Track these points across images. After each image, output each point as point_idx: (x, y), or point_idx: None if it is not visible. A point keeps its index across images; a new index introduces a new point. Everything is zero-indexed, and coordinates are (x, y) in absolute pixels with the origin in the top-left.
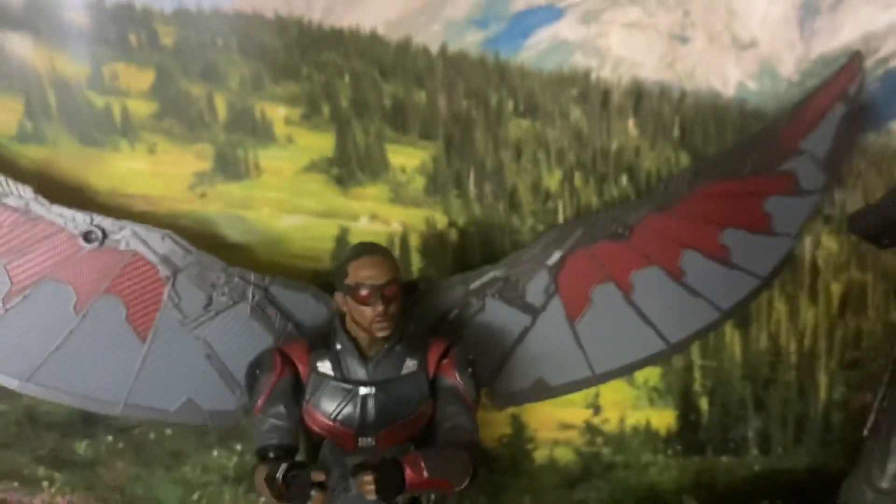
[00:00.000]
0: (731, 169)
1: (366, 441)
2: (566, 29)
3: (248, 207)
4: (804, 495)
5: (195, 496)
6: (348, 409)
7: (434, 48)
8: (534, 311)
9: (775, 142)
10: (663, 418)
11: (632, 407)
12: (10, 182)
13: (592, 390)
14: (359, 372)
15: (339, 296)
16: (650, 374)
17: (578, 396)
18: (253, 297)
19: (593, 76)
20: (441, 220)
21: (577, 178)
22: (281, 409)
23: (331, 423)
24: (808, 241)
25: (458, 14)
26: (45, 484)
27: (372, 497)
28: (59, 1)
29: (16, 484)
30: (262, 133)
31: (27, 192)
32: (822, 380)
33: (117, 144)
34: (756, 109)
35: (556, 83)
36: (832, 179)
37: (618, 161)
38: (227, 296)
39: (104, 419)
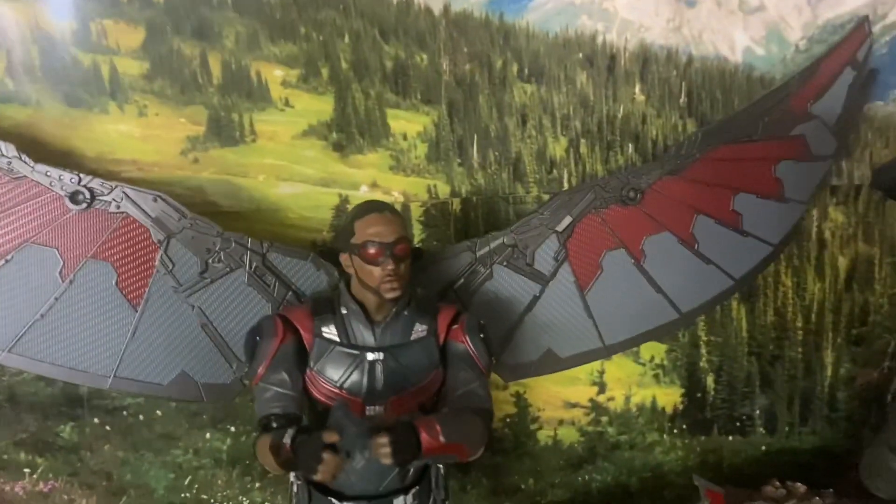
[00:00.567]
0: (743, 132)
1: (374, 410)
2: None
3: (243, 174)
4: (811, 475)
5: (186, 481)
6: (355, 376)
7: (437, 8)
8: (543, 279)
9: (786, 106)
10: (669, 396)
11: (637, 384)
12: None
13: (597, 367)
14: (366, 337)
15: (344, 257)
16: (656, 351)
17: (583, 373)
18: (250, 263)
19: (599, 39)
20: (443, 190)
21: (583, 146)
22: (283, 376)
23: (337, 390)
24: (814, 213)
25: None
26: (27, 470)
27: (388, 460)
28: None
29: None
30: (257, 95)
31: (10, 149)
32: (829, 356)
33: (105, 106)
34: (762, 76)
35: (562, 46)
36: (842, 145)
37: (624, 128)
38: (224, 262)
39: (90, 400)
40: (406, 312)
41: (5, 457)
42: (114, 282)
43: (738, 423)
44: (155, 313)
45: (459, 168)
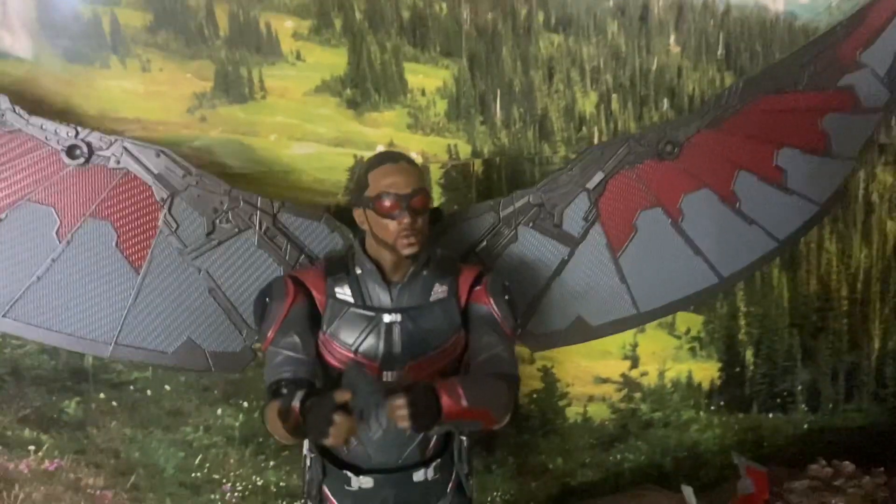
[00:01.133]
0: (787, 82)
1: (391, 375)
2: None
3: (253, 133)
4: (857, 455)
5: (197, 460)
6: (371, 340)
7: None
8: (572, 242)
9: (833, 54)
10: (706, 371)
11: (672, 358)
12: None
13: (630, 340)
14: (382, 298)
15: (358, 212)
16: (692, 322)
17: (615, 347)
18: (260, 224)
19: None
20: (464, 150)
21: (615, 102)
22: (295, 339)
23: (352, 355)
24: (861, 174)
25: None
26: (32, 448)
27: (405, 424)
28: None
29: None
30: (267, 49)
31: (3, 101)
32: (876, 328)
33: (106, 61)
34: (805, 25)
35: None
36: (895, 97)
37: (658, 82)
38: (232, 223)
39: (95, 374)
40: (425, 272)
41: (9, 433)
42: (114, 242)
43: (778, 400)
44: (159, 277)
45: (482, 126)
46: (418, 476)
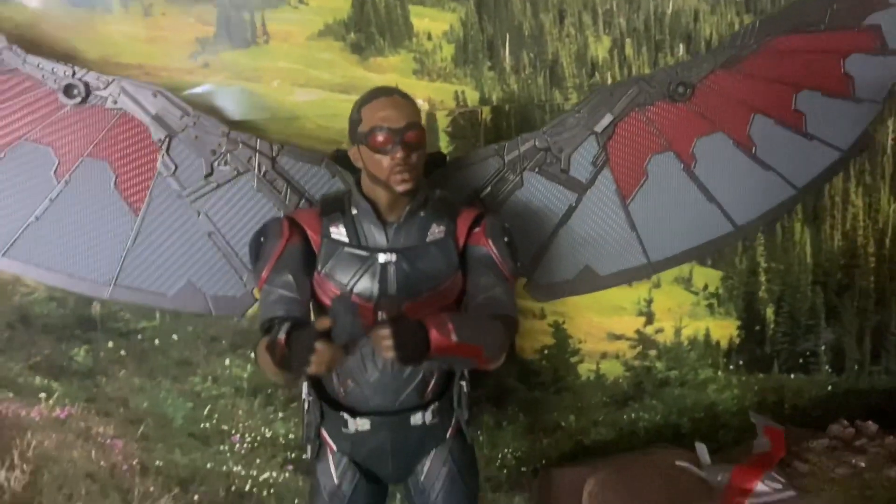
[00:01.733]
0: (808, 21)
1: (385, 316)
2: None
3: (256, 79)
4: (883, 419)
5: (206, 411)
6: (366, 280)
7: None
8: (579, 187)
9: None
10: (724, 329)
11: (689, 315)
12: None
13: (644, 295)
14: (377, 238)
15: (353, 150)
16: (709, 278)
17: (629, 302)
18: (259, 167)
19: None
20: (472, 96)
21: (628, 46)
22: (288, 278)
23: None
24: (889, 123)
25: None
26: (43, 395)
27: (389, 354)
28: None
29: (11, 394)
30: None
31: (0, 40)
32: None
33: (109, 5)
34: None
35: None
36: None
37: (674, 26)
38: (231, 165)
39: (103, 322)
40: (422, 213)
41: (20, 380)
42: (112, 183)
43: (800, 360)
44: (158, 218)
45: (490, 72)
46: (416, 419)
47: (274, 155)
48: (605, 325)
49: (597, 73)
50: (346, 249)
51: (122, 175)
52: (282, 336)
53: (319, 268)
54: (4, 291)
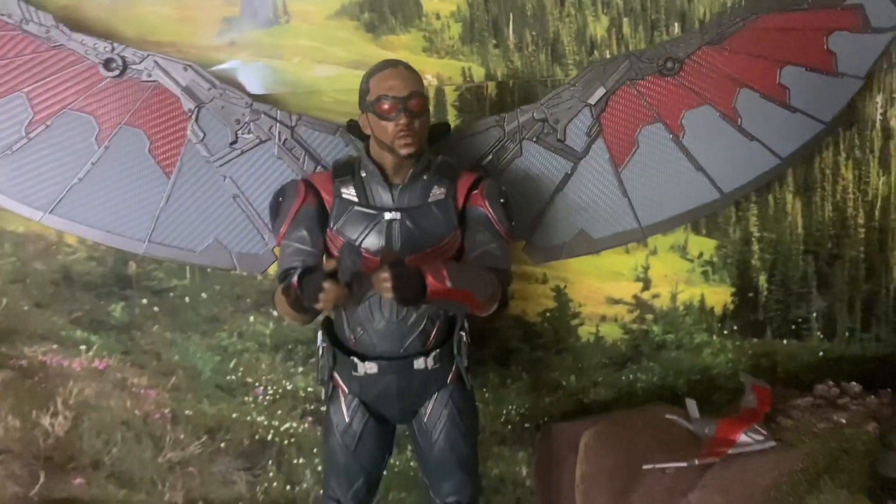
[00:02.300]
0: (792, 1)
1: None
2: None
3: (277, 56)
4: (874, 384)
5: (232, 364)
6: (373, 236)
7: None
8: (575, 156)
9: None
10: (718, 295)
11: (684, 282)
12: (31, 8)
13: (641, 262)
14: (384, 198)
15: (362, 118)
16: (704, 247)
17: (626, 269)
18: (279, 136)
19: None
20: (478, 72)
21: (626, 25)
22: (304, 233)
23: None
24: (878, 99)
25: None
26: (83, 347)
27: (388, 295)
28: None
29: (54, 346)
30: None
31: (48, 19)
32: (895, 257)
33: None
34: None
35: None
36: None
37: (669, 6)
38: (253, 134)
39: (138, 281)
40: (425, 176)
41: (63, 333)
42: (147, 149)
43: (793, 326)
44: (188, 182)
45: (495, 50)
46: (419, 364)
47: (293, 125)
48: (604, 290)
49: (595, 51)
50: (356, 208)
51: (156, 141)
52: (295, 280)
53: (332, 225)
54: (49, 251)
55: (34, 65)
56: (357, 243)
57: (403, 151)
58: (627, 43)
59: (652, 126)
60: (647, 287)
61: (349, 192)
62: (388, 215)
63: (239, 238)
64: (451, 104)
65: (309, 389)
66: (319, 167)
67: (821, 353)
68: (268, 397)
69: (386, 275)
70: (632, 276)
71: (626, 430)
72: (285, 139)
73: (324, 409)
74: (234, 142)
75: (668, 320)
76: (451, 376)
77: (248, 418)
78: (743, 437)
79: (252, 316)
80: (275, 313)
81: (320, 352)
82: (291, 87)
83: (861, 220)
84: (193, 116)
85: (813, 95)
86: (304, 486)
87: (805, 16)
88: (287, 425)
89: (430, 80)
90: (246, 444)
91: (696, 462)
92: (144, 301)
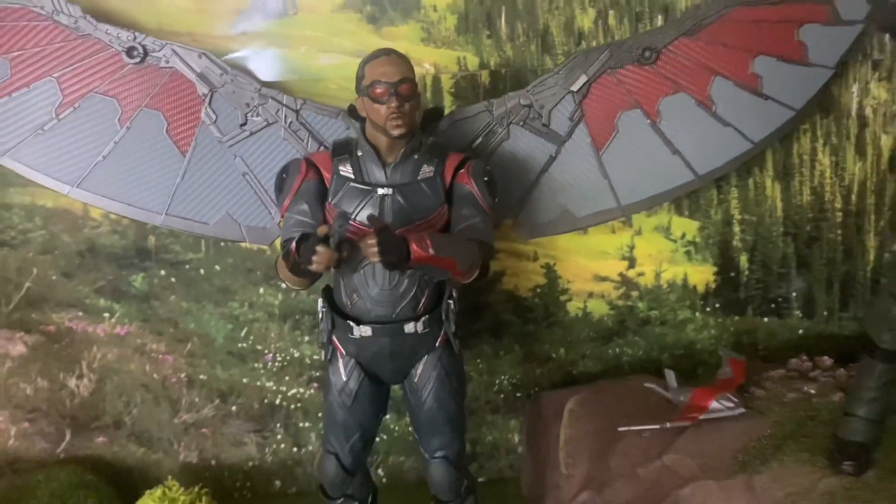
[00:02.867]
0: None
1: None
2: None
3: (286, 46)
4: (852, 362)
5: (243, 332)
6: (368, 209)
7: None
8: (558, 139)
9: None
10: (701, 274)
11: (668, 261)
12: (61, 0)
13: (626, 241)
14: (377, 175)
15: (358, 101)
16: (687, 228)
17: (612, 248)
18: (286, 119)
19: None
20: (472, 61)
21: (612, 17)
22: (305, 206)
23: (352, 221)
24: (854, 89)
25: None
26: (106, 315)
27: (375, 259)
28: None
29: (80, 313)
30: None
31: (76, 9)
32: (871, 240)
33: None
34: None
35: None
36: (877, 8)
37: None
38: (261, 116)
39: (157, 253)
40: (416, 156)
41: (87, 301)
42: (164, 129)
43: (773, 305)
44: (202, 160)
45: (488, 40)
46: (409, 328)
47: (298, 109)
48: (591, 268)
49: (583, 42)
50: (352, 184)
51: (173, 122)
52: (293, 245)
53: (330, 199)
54: (75, 224)
55: (64, 52)
56: (353, 216)
57: (395, 132)
58: (613, 34)
59: (631, 112)
60: (632, 265)
61: (346, 170)
62: (380, 191)
63: (248, 212)
64: (447, 91)
65: (315, 357)
66: (322, 147)
67: (800, 331)
68: (276, 364)
69: (373, 240)
70: (618, 254)
71: (608, 397)
72: (290, 122)
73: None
74: (244, 124)
75: (652, 297)
76: (439, 340)
77: (258, 383)
78: (714, 404)
79: (262, 288)
80: (283, 286)
81: (320, 315)
82: (299, 74)
83: (839, 205)
84: (207, 100)
85: (784, 84)
86: (310, 447)
87: (777, 9)
88: (294, 391)
89: (427, 68)
90: (256, 408)
91: (668, 425)
92: (162, 272)
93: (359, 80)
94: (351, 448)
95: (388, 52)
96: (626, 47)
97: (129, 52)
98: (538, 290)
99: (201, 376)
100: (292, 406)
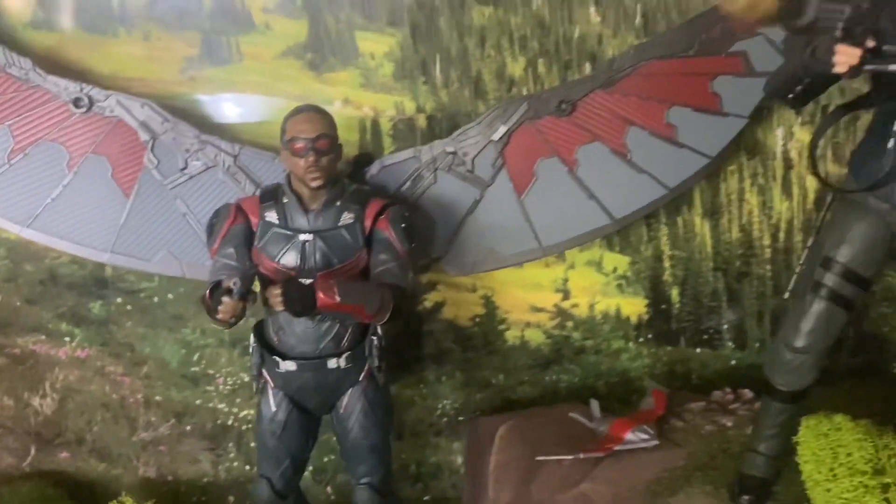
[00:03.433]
0: (679, 48)
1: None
2: None
3: (233, 90)
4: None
5: (196, 357)
6: (291, 254)
7: None
8: (482, 185)
9: (729, 23)
10: (633, 306)
11: (601, 293)
12: (13, 54)
13: (560, 275)
14: (300, 222)
15: (282, 153)
16: (618, 262)
17: (547, 281)
18: (224, 163)
19: None
20: (409, 106)
21: (541, 65)
22: (231, 250)
23: (276, 265)
24: (779, 132)
25: None
26: (67, 339)
27: (280, 308)
28: None
29: (43, 337)
30: (242, 20)
31: (27, 63)
32: None
33: (116, 31)
34: None
35: None
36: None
37: (581, 48)
38: (201, 161)
39: (114, 282)
40: (338, 203)
41: (50, 326)
42: (110, 174)
43: (705, 336)
44: (144, 202)
45: (424, 86)
46: (332, 364)
47: (235, 153)
48: (527, 299)
49: (514, 88)
50: (276, 230)
51: (118, 167)
52: (206, 294)
53: (256, 243)
54: (38, 256)
55: (15, 102)
56: (276, 259)
57: (312, 184)
58: (543, 81)
59: (549, 160)
60: (566, 297)
61: (272, 216)
62: (302, 237)
63: (187, 250)
64: (386, 133)
65: None
66: (258, 190)
67: (733, 362)
68: (227, 387)
69: (277, 291)
70: (552, 287)
71: (535, 425)
72: (229, 166)
73: None
74: (185, 168)
75: (586, 327)
76: (363, 374)
77: (211, 405)
78: (630, 436)
79: None
80: None
81: (251, 350)
82: (244, 117)
83: (767, 241)
84: (149, 146)
85: (699, 132)
86: None
87: (690, 62)
88: (245, 412)
89: (367, 111)
90: (209, 428)
91: (581, 455)
92: (119, 300)
93: (282, 134)
94: (282, 474)
95: (308, 109)
96: (544, 99)
97: (76, 102)
98: (477, 319)
99: (157, 397)
100: (244, 427)
